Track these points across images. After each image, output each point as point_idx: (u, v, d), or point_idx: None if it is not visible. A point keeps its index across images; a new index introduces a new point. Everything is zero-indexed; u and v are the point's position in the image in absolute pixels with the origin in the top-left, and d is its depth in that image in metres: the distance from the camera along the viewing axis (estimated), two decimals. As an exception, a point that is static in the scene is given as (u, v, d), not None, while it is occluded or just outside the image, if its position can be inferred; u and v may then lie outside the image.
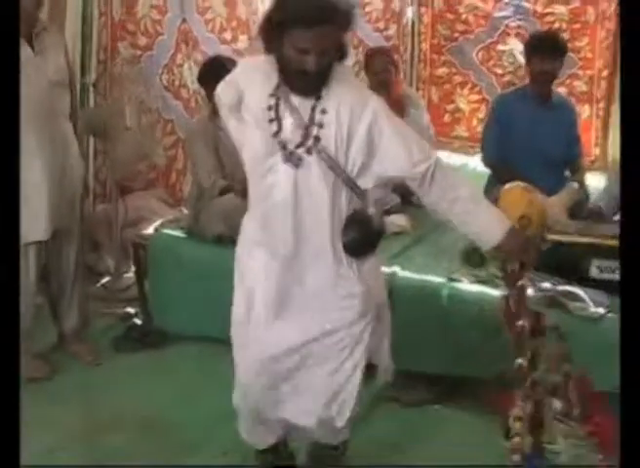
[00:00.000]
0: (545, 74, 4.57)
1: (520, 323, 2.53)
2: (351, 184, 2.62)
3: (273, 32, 2.50)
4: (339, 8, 2.48)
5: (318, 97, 2.57)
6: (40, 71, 3.72)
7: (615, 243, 3.55)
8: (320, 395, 2.82)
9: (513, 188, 2.93)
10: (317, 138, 2.56)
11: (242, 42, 5.88)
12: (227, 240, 3.77)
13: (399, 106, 4.85)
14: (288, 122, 2.59)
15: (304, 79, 2.52)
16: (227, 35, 5.88)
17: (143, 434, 3.55)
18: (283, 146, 2.59)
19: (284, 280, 2.72)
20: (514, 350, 2.49)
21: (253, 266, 2.79)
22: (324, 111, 2.56)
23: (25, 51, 3.62)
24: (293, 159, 2.58)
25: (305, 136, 2.57)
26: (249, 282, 2.81)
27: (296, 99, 2.58)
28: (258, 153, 2.63)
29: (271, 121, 2.59)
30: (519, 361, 2.43)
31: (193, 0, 5.66)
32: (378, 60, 5.14)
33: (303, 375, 2.81)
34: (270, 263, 2.72)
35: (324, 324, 2.74)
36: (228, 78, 2.83)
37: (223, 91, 2.82)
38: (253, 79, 2.67)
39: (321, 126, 2.56)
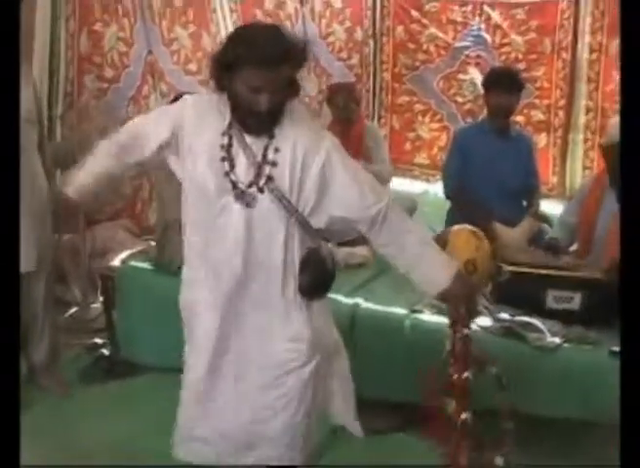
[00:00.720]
0: (502, 108, 4.71)
1: (465, 375, 2.51)
2: (304, 223, 2.58)
3: (223, 72, 2.47)
4: (292, 47, 2.46)
5: (271, 136, 2.53)
6: None
7: (570, 273, 3.67)
8: (276, 440, 2.74)
9: (461, 231, 2.94)
10: (270, 178, 2.52)
11: (206, 73, 5.93)
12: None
13: (359, 140, 4.98)
14: (241, 161, 2.54)
15: (257, 118, 2.48)
16: (192, 66, 5.99)
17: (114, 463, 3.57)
18: (234, 185, 2.54)
19: (229, 319, 2.66)
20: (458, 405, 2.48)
21: (198, 307, 2.74)
22: (277, 150, 2.52)
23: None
24: (245, 198, 2.54)
25: (258, 175, 2.53)
26: (194, 323, 2.77)
27: (248, 138, 2.54)
28: (209, 193, 2.57)
29: (223, 160, 2.55)
30: (464, 416, 2.43)
31: (159, 32, 5.72)
32: (341, 96, 5.23)
33: (257, 425, 2.73)
34: (215, 303, 2.66)
35: (271, 369, 2.68)
36: (159, 114, 2.81)
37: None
38: (203, 117, 2.60)
39: (274, 165, 2.52)
